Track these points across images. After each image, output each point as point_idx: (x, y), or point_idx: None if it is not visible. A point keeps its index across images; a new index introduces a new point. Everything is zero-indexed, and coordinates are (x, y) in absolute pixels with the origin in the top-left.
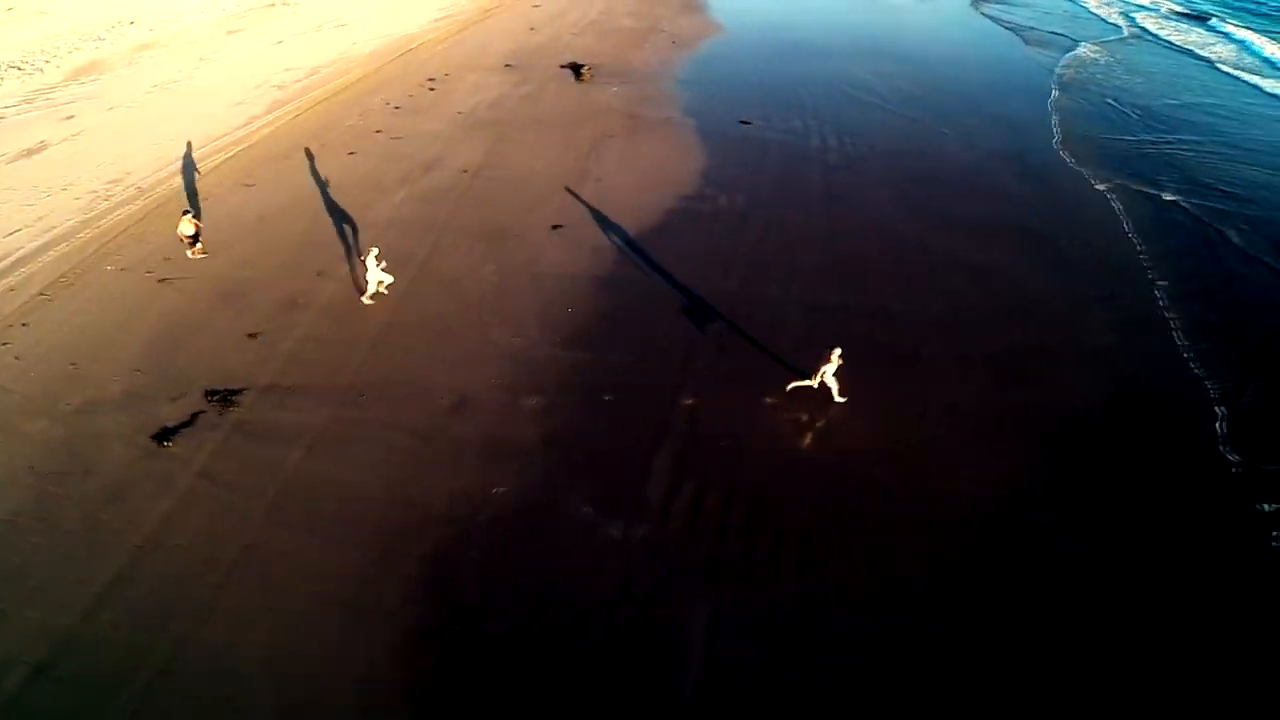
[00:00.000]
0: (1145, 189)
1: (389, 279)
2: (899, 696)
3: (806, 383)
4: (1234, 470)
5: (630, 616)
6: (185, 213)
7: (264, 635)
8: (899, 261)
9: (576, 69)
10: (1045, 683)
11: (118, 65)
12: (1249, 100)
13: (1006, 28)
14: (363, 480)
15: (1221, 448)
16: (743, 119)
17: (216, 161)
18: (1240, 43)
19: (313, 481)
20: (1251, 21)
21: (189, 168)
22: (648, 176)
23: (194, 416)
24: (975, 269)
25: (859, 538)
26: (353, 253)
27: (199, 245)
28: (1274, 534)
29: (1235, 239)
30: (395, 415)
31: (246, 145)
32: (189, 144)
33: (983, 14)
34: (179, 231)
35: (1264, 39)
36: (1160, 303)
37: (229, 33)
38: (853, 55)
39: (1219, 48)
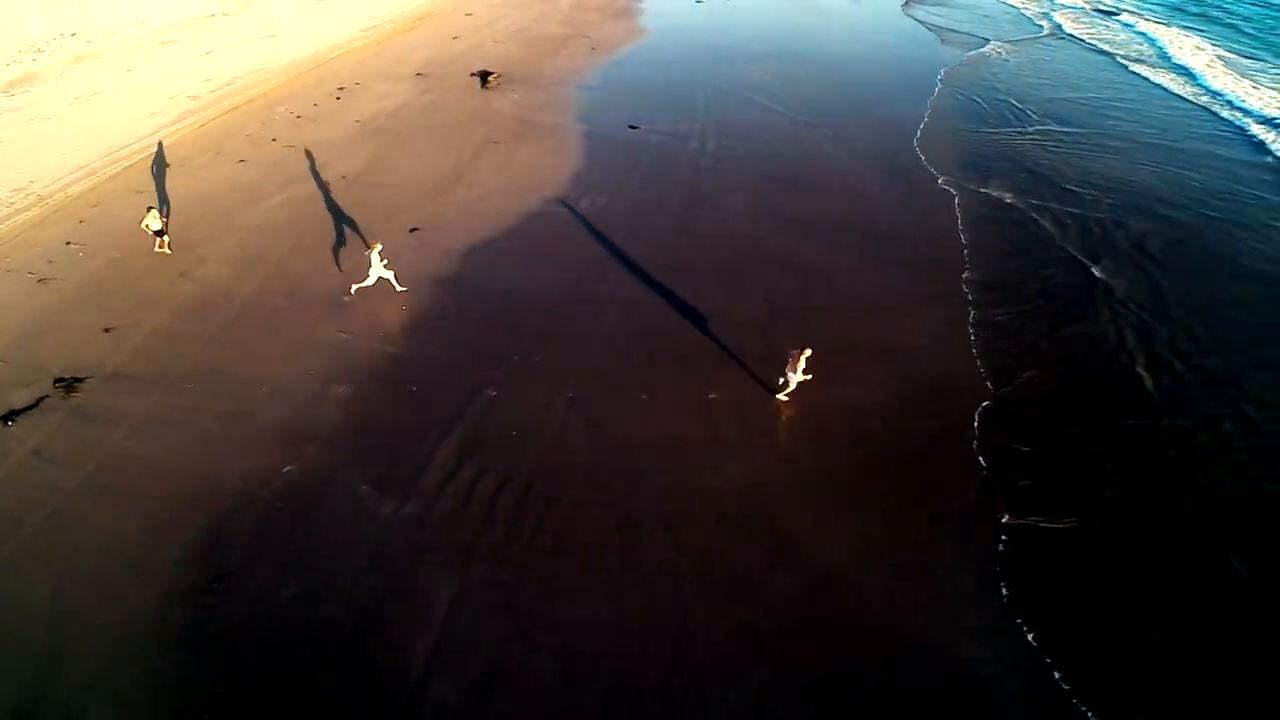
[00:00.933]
0: (987, 188)
1: (389, 275)
2: (620, 681)
3: (784, 380)
4: (982, 477)
5: (377, 586)
6: (150, 209)
7: (49, 588)
8: (735, 262)
9: (484, 76)
10: (771, 679)
11: (49, 78)
12: (1137, 94)
13: (930, 29)
14: (169, 458)
15: (975, 447)
16: (631, 124)
17: (116, 170)
18: (1147, 37)
19: (126, 458)
20: (1165, 16)
21: (160, 165)
22: (519, 181)
23: (39, 400)
24: (808, 269)
25: (615, 530)
26: (216, 257)
27: (165, 240)
28: (1003, 538)
29: (1059, 237)
30: (214, 402)
31: (147, 154)
32: (169, 140)
33: (911, 16)
34: (144, 225)
35: (1173, 33)
36: (969, 300)
37: (162, 44)
38: (765, 59)
39: (1129, 44)
